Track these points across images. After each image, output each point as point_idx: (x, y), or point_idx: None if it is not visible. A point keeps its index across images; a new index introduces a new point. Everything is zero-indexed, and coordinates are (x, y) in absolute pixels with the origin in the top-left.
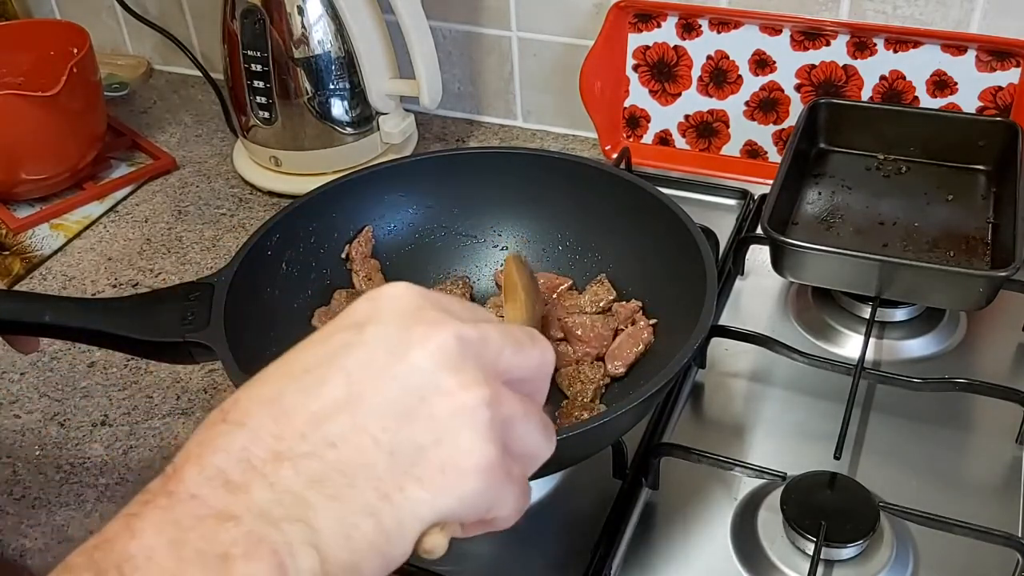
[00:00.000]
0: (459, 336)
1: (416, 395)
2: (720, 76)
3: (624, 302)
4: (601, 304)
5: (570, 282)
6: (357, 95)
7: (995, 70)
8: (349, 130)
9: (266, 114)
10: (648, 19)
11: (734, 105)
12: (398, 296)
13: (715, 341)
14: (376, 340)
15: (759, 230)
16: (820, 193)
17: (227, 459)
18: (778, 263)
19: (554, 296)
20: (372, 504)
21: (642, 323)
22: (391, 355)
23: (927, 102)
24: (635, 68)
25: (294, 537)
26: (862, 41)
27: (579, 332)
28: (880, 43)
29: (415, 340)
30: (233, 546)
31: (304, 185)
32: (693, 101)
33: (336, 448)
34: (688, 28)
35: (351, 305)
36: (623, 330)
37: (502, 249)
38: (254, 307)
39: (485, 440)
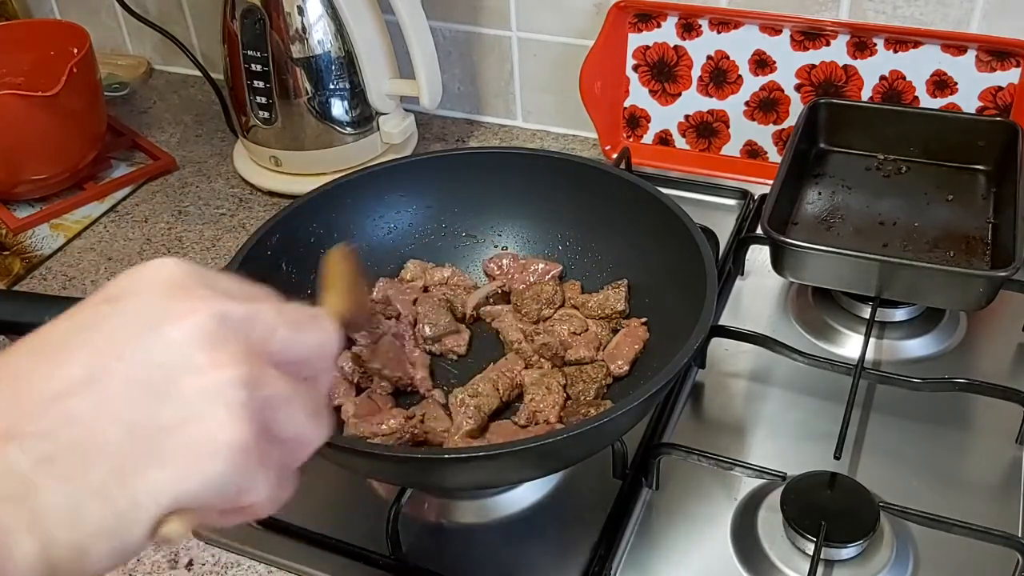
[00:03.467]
0: (221, 313)
1: (165, 372)
2: (720, 76)
3: (629, 320)
4: (606, 312)
5: (560, 268)
6: (357, 95)
7: (995, 70)
8: (349, 130)
9: (266, 114)
10: (648, 19)
11: (734, 105)
12: (162, 269)
13: (715, 341)
14: (128, 314)
15: (759, 230)
16: (820, 193)
17: None
18: (778, 263)
19: (546, 279)
20: (105, 485)
21: (635, 322)
22: (142, 330)
23: (927, 102)
24: (635, 68)
25: (12, 520)
26: (862, 41)
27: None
28: (880, 43)
29: (171, 315)
30: None
31: (304, 185)
32: (693, 101)
33: (73, 426)
34: (688, 28)
35: (113, 279)
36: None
37: (502, 249)
38: None
39: (236, 420)
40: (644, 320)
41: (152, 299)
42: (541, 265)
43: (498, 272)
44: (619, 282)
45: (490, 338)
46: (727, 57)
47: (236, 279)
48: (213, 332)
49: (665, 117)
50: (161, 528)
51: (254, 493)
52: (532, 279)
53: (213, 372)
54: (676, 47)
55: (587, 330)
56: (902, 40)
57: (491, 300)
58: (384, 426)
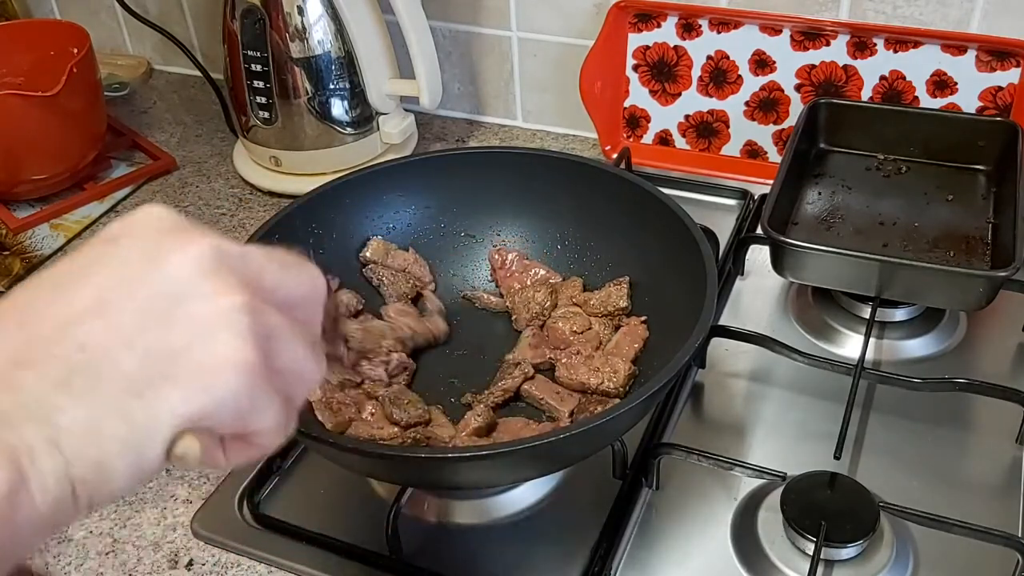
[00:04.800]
0: (217, 247)
1: (171, 299)
2: (720, 76)
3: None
4: (609, 309)
5: (559, 277)
6: (357, 95)
7: (995, 70)
8: (349, 130)
9: (266, 114)
10: (648, 19)
11: (734, 105)
12: (155, 213)
13: (715, 341)
14: (130, 249)
15: (759, 230)
16: (820, 193)
17: None
18: (778, 263)
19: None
20: (121, 402)
21: (635, 320)
22: (146, 262)
23: (927, 102)
24: (635, 68)
25: (34, 438)
26: (862, 41)
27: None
28: (880, 43)
29: (172, 248)
30: None
31: (304, 185)
32: (693, 101)
33: (85, 351)
34: (688, 28)
35: (105, 226)
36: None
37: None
38: None
39: (242, 341)
40: (644, 319)
41: (151, 236)
42: (542, 271)
43: (500, 265)
44: (621, 279)
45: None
46: (727, 57)
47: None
48: (213, 262)
49: (665, 117)
50: (176, 446)
51: (262, 416)
52: (529, 282)
53: (218, 298)
54: (676, 47)
55: (589, 328)
56: (902, 40)
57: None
58: (384, 431)
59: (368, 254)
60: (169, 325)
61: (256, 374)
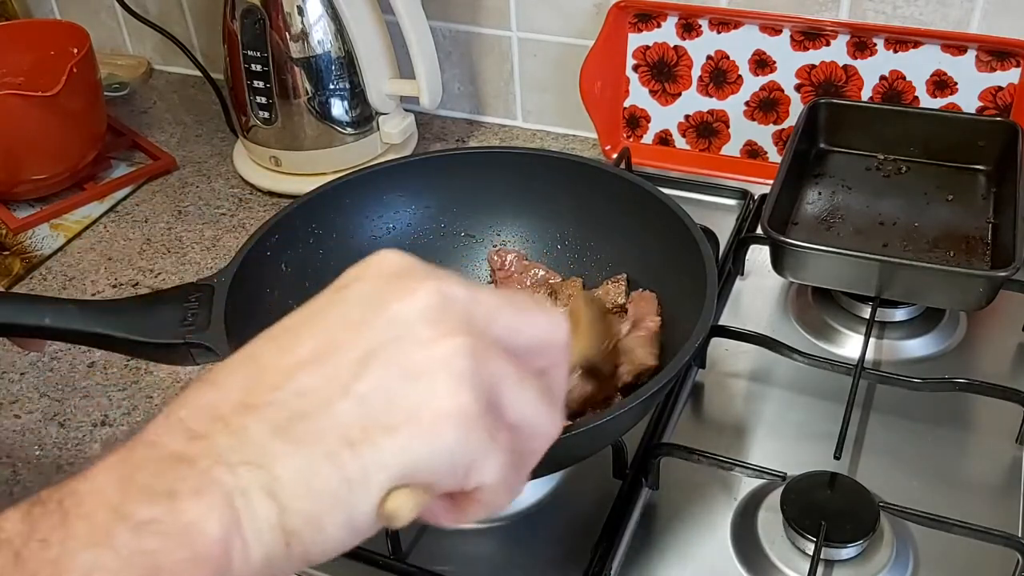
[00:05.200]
0: (443, 291)
1: (392, 346)
2: (720, 76)
3: (638, 291)
4: (607, 305)
5: (559, 277)
6: (357, 95)
7: (995, 70)
8: (349, 130)
9: (266, 114)
10: (648, 19)
11: (734, 105)
12: (387, 258)
13: (715, 341)
14: (356, 296)
15: (759, 230)
16: (820, 193)
17: (192, 411)
18: (778, 263)
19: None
20: (336, 452)
21: (636, 294)
22: (369, 308)
23: (927, 102)
24: (635, 68)
25: (250, 482)
26: (862, 41)
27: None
28: (880, 43)
29: (396, 294)
30: (182, 484)
31: (304, 185)
32: (693, 101)
33: (304, 397)
34: (688, 28)
35: (343, 273)
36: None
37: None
38: (254, 308)
39: (461, 389)
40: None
41: (377, 283)
42: (541, 272)
43: (499, 266)
44: (618, 276)
45: None
46: (727, 57)
47: (457, 275)
48: (436, 308)
49: (665, 117)
50: (387, 502)
51: (483, 471)
52: (528, 283)
53: (438, 343)
54: (676, 47)
55: None
56: (902, 40)
57: None
58: None
59: None
60: (387, 371)
61: (475, 424)
